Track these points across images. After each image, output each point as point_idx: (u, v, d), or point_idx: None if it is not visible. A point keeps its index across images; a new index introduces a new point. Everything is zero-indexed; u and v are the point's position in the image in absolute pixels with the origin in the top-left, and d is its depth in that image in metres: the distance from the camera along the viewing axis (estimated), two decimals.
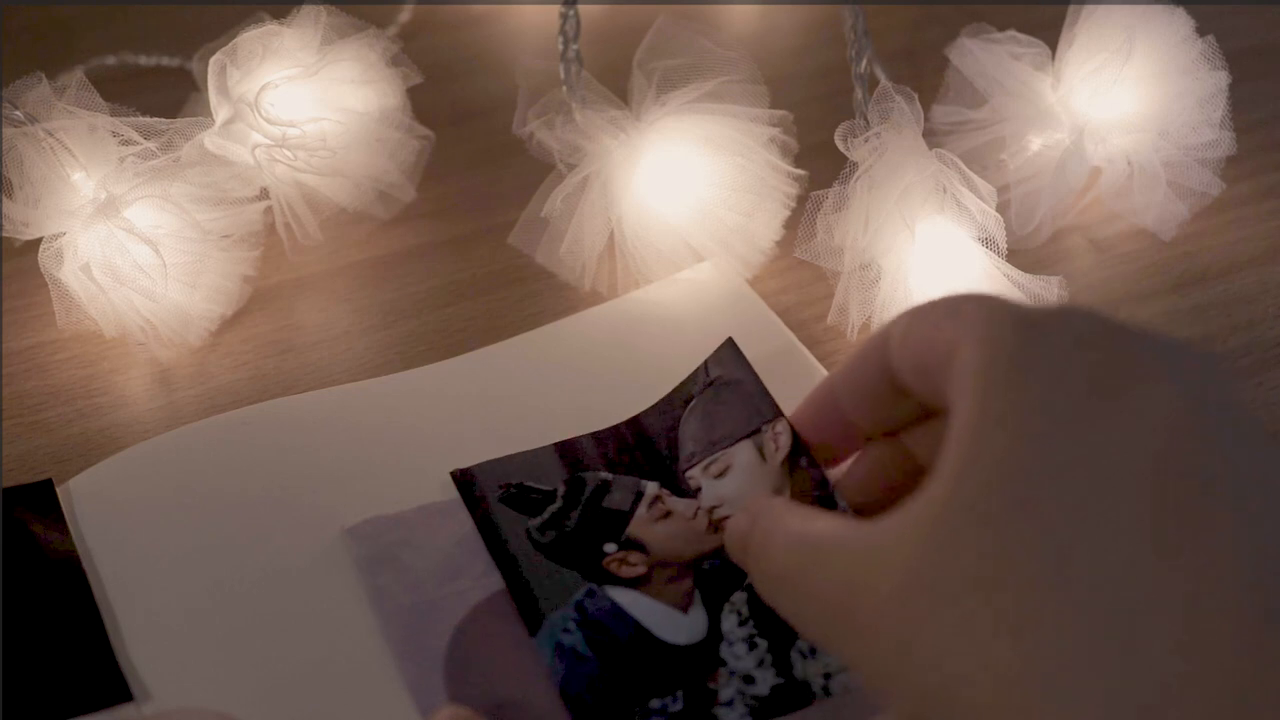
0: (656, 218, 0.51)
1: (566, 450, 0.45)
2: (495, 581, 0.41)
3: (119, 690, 0.38)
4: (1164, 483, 0.28)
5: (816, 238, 0.49)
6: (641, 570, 0.41)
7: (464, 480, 0.44)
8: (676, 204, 0.51)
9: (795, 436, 0.42)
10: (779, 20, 0.69)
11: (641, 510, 0.43)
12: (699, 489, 0.43)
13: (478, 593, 0.41)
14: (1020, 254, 0.52)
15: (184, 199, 0.48)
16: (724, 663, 0.39)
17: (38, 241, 0.48)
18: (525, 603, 0.41)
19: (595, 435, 0.46)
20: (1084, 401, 0.29)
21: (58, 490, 0.44)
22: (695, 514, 0.43)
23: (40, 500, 0.43)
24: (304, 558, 0.42)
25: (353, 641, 0.40)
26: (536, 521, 0.43)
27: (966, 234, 0.47)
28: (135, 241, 0.47)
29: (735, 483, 0.43)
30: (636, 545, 0.42)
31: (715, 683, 0.39)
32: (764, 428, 0.43)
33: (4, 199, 0.47)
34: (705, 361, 0.46)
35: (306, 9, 0.52)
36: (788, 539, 0.35)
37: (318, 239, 0.54)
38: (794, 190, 0.52)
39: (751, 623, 0.40)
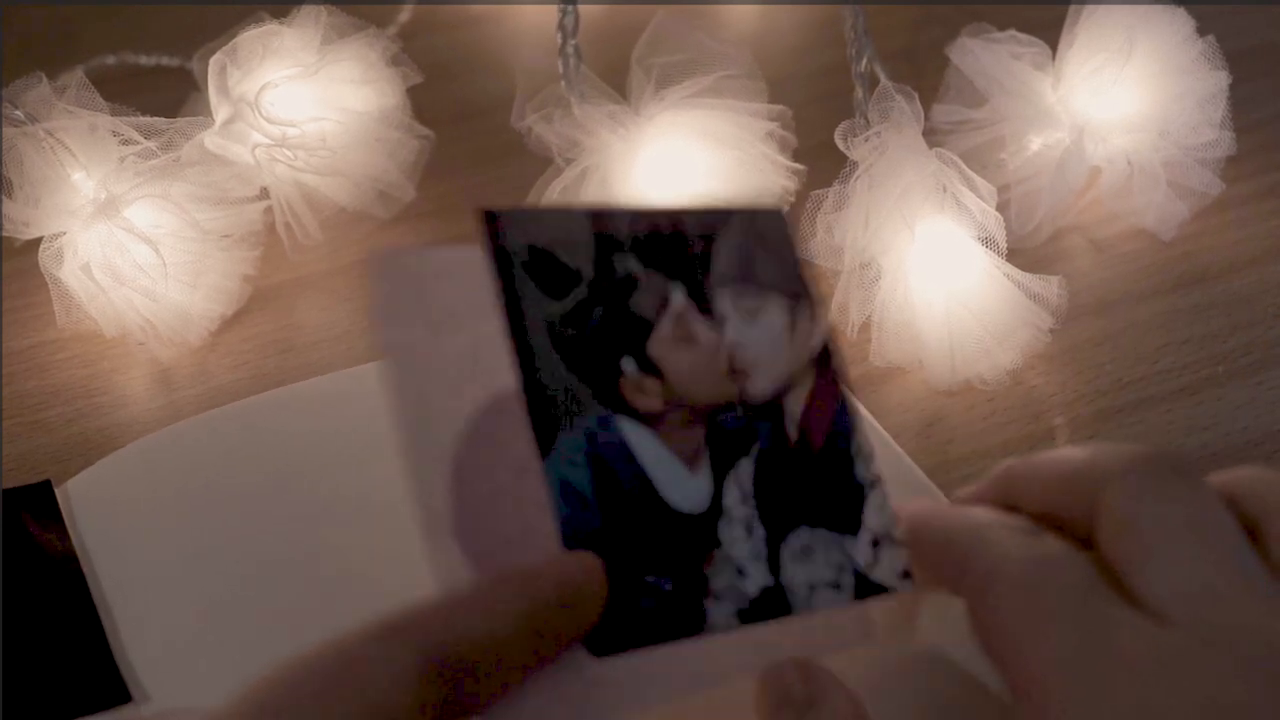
0: None
1: (599, 223, 0.41)
2: (511, 379, 0.37)
3: (118, 692, 0.38)
4: None
5: (817, 236, 0.49)
6: (656, 405, 0.39)
7: (491, 225, 0.39)
8: (675, 197, 0.51)
9: (827, 345, 0.40)
10: (779, 20, 0.69)
11: (665, 326, 0.40)
12: (725, 318, 0.41)
13: (495, 385, 0.37)
14: (1020, 253, 0.52)
15: (184, 198, 0.48)
16: (719, 544, 0.38)
17: (38, 241, 0.48)
18: (540, 414, 0.37)
19: (631, 214, 0.41)
20: None
21: (56, 491, 0.44)
22: (717, 349, 0.40)
23: (39, 501, 0.43)
24: (303, 552, 0.42)
25: None
26: (560, 309, 0.39)
27: (966, 233, 0.47)
28: (135, 241, 0.47)
29: (762, 332, 0.41)
30: (654, 370, 0.39)
31: (709, 567, 0.37)
32: (802, 302, 0.41)
33: (4, 198, 0.47)
34: (754, 212, 0.43)
35: (306, 9, 0.52)
36: None
37: (318, 238, 0.54)
38: (792, 184, 0.52)
39: (753, 502, 0.39)
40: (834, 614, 0.38)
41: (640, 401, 0.39)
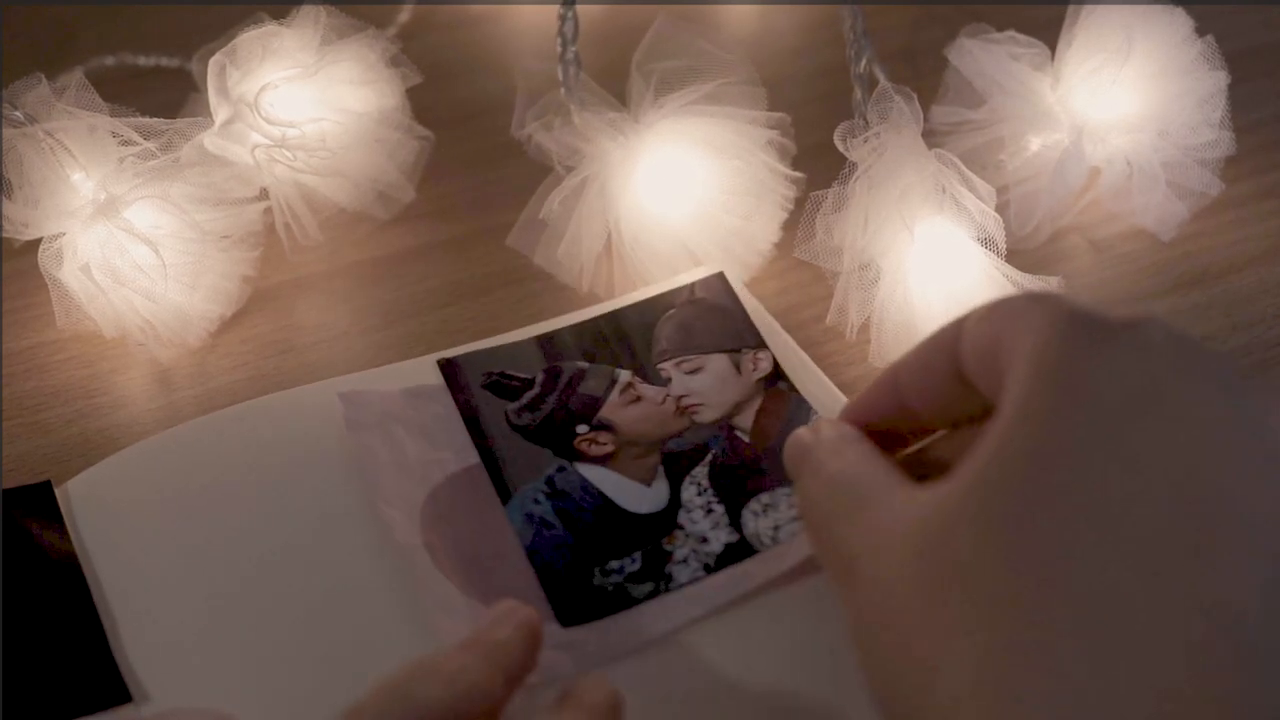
0: (654, 220, 0.51)
1: (547, 342, 0.48)
2: (472, 456, 0.44)
3: (117, 691, 0.38)
4: (1182, 511, 0.27)
5: (816, 238, 0.49)
6: (610, 449, 0.44)
7: (449, 369, 0.47)
8: (674, 206, 0.51)
9: (778, 366, 0.45)
10: (778, 21, 0.69)
11: (614, 396, 0.46)
12: (669, 380, 0.46)
13: (455, 464, 0.44)
14: (1019, 254, 0.52)
15: (183, 199, 0.48)
16: (681, 527, 0.42)
17: (37, 242, 0.48)
18: (498, 475, 0.43)
19: (574, 327, 0.48)
20: (1122, 412, 0.29)
21: (56, 491, 0.44)
22: (664, 399, 0.46)
23: (39, 502, 0.43)
24: (302, 553, 0.42)
25: (353, 636, 0.40)
26: (515, 405, 0.46)
27: (965, 234, 0.47)
28: (135, 242, 0.47)
29: (706, 381, 0.46)
30: (606, 427, 0.45)
31: (671, 543, 0.42)
32: (744, 350, 0.47)
33: (4, 199, 0.47)
34: (693, 282, 0.49)
35: (306, 9, 0.52)
36: (836, 473, 0.34)
37: (317, 239, 0.54)
38: (792, 193, 0.52)
39: (710, 491, 0.43)
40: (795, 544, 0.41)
41: (595, 450, 0.44)
